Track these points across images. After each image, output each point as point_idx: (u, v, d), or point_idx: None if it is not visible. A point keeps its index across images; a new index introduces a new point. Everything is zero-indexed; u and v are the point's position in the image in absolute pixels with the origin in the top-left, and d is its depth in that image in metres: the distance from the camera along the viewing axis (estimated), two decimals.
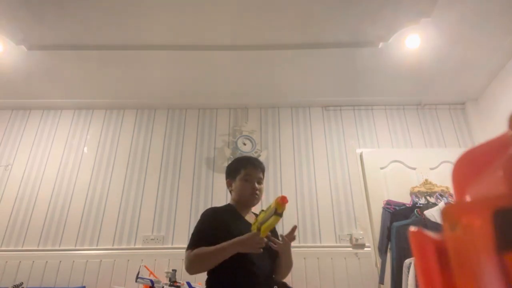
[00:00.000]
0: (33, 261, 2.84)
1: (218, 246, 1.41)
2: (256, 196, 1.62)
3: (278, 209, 1.30)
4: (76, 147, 3.36)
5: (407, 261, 2.35)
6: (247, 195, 1.62)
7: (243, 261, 1.43)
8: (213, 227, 1.52)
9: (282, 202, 1.30)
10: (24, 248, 2.92)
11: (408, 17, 2.59)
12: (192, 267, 1.44)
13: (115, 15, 2.59)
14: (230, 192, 1.70)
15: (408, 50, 2.87)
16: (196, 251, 1.44)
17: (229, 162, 1.77)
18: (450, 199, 2.80)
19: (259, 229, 1.37)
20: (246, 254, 1.40)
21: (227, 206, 1.66)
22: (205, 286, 1.52)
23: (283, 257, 1.55)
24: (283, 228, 2.96)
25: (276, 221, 1.32)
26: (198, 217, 1.53)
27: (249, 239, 1.36)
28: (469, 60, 2.99)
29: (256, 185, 1.63)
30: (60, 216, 3.05)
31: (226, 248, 1.39)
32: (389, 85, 3.32)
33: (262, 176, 1.67)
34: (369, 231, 2.93)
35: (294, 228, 1.50)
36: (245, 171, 1.64)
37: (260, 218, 1.40)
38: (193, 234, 1.54)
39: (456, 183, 0.36)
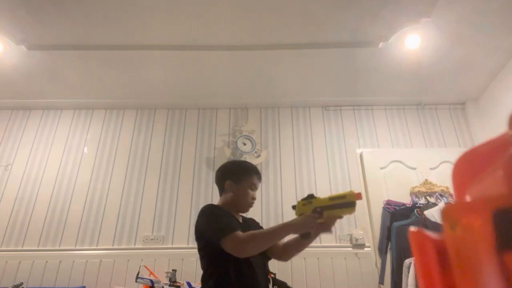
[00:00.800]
0: (33, 261, 2.84)
1: (274, 227, 1.40)
2: (251, 206, 1.63)
3: (353, 201, 1.30)
4: (76, 147, 3.36)
5: (407, 261, 2.35)
6: (246, 203, 1.61)
7: (245, 268, 1.41)
8: (229, 215, 1.51)
9: (359, 197, 1.29)
10: (24, 248, 2.92)
11: (408, 17, 2.59)
12: (249, 247, 1.36)
13: (115, 15, 2.59)
14: (223, 191, 1.67)
15: (408, 50, 2.87)
16: (247, 233, 1.37)
17: (230, 162, 1.75)
18: (450, 199, 2.80)
19: (318, 212, 1.37)
20: (249, 261, 1.40)
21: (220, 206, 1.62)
22: None
23: (308, 241, 1.54)
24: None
25: (348, 213, 1.32)
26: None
27: (309, 220, 1.36)
28: (469, 60, 2.99)
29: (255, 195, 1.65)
30: (60, 216, 3.05)
31: (284, 228, 1.38)
32: (389, 85, 3.32)
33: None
34: (369, 231, 2.94)
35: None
36: (252, 180, 1.64)
37: (318, 202, 1.39)
38: (218, 222, 1.42)
39: (456, 183, 0.37)
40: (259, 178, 1.67)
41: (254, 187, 1.63)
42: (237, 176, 1.65)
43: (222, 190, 1.69)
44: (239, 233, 1.36)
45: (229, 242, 1.35)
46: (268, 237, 1.40)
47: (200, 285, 2.61)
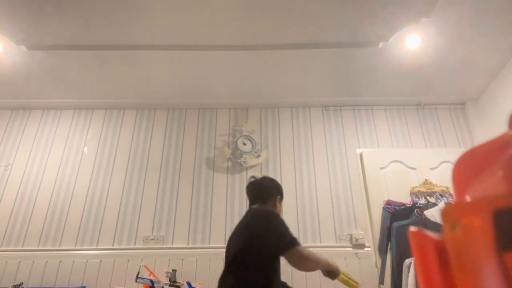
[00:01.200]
0: (33, 261, 2.84)
1: (324, 256, 1.69)
2: None
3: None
4: (76, 147, 3.36)
5: (407, 261, 2.35)
6: None
7: (278, 268, 1.61)
8: None
9: None
10: (24, 248, 2.92)
11: (408, 17, 2.59)
12: (309, 265, 1.65)
13: (115, 15, 2.59)
14: (264, 202, 1.80)
15: (408, 50, 2.87)
16: (312, 251, 1.59)
17: (271, 179, 1.94)
18: (450, 199, 2.80)
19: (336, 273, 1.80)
20: (279, 264, 1.61)
21: None
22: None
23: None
24: None
25: (345, 284, 1.76)
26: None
27: (336, 270, 1.74)
28: (469, 60, 2.99)
29: None
30: (60, 216, 3.05)
31: (328, 261, 1.71)
32: (389, 85, 3.32)
33: None
34: (369, 231, 2.93)
35: None
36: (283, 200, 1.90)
37: (344, 272, 1.82)
38: (286, 234, 1.60)
39: (456, 183, 0.37)
40: None
41: None
42: (283, 197, 1.87)
43: (264, 200, 1.81)
44: (303, 248, 1.57)
45: (295, 255, 1.53)
46: (318, 263, 1.66)
47: (200, 285, 2.62)
